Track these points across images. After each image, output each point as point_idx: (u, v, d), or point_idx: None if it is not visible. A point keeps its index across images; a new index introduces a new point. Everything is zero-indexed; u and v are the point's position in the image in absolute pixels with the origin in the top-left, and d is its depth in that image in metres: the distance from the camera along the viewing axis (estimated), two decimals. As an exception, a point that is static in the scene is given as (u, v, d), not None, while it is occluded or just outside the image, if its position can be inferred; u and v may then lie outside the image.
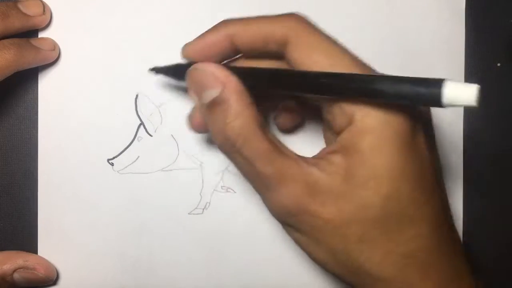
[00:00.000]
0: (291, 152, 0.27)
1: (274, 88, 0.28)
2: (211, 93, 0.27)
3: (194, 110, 0.31)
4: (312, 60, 0.26)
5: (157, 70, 0.33)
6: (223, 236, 0.37)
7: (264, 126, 0.27)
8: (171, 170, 0.36)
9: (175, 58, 0.36)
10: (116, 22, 0.36)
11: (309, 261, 0.37)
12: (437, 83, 0.22)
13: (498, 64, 0.38)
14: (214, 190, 0.37)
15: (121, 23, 0.36)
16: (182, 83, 0.31)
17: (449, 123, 0.38)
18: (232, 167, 0.36)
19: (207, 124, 0.28)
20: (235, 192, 0.37)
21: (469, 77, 0.38)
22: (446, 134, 0.38)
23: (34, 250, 0.36)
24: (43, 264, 0.35)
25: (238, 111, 0.26)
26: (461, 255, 0.28)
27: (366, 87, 0.24)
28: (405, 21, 0.38)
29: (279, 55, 0.28)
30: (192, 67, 0.28)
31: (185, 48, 0.30)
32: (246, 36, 0.28)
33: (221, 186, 0.37)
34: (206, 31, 0.29)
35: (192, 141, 0.36)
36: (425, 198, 0.26)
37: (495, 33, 0.38)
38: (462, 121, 0.38)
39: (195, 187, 0.37)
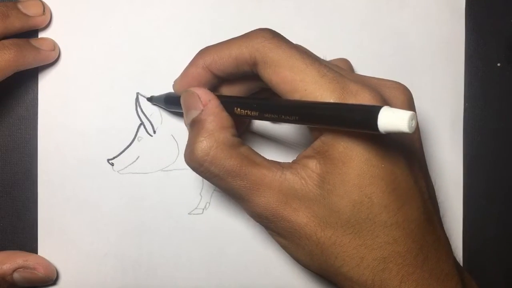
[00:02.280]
0: (265, 161, 0.28)
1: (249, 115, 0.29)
2: (193, 113, 0.29)
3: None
4: (280, 77, 0.27)
5: (151, 99, 0.36)
6: (223, 236, 0.37)
7: (236, 143, 0.28)
8: (171, 170, 0.36)
9: (175, 58, 0.36)
10: (116, 22, 0.36)
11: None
12: (374, 110, 0.22)
13: (498, 64, 0.38)
14: (214, 190, 0.37)
15: (121, 23, 0.36)
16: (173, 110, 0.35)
17: (449, 123, 0.38)
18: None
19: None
20: (235, 192, 0.37)
21: (469, 77, 0.38)
22: (446, 134, 0.38)
23: (34, 250, 0.36)
24: (43, 264, 0.35)
25: (209, 131, 0.28)
26: (448, 256, 0.28)
27: (306, 114, 0.25)
28: (405, 21, 0.38)
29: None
30: (185, 90, 0.31)
31: (174, 85, 0.32)
32: (220, 63, 0.29)
33: (221, 186, 0.37)
34: (188, 65, 0.31)
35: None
36: (398, 205, 0.26)
37: (495, 33, 0.38)
38: (462, 121, 0.38)
39: (195, 187, 0.37)
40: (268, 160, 0.29)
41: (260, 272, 0.37)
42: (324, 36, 0.37)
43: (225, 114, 0.29)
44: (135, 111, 0.36)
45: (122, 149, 0.36)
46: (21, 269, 0.34)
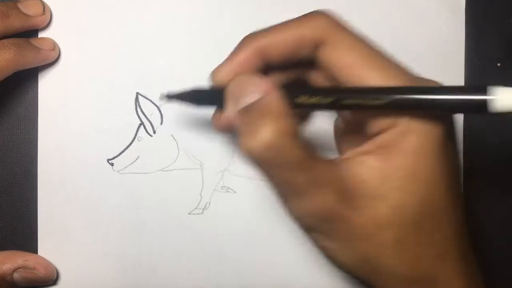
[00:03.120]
0: (323, 157, 0.26)
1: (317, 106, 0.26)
2: (251, 98, 0.25)
3: (217, 111, 0.30)
4: (349, 61, 0.25)
5: (170, 96, 0.30)
6: (223, 236, 0.37)
7: (299, 133, 0.25)
8: (171, 170, 0.36)
9: (175, 58, 0.36)
10: (116, 22, 0.36)
11: (308, 260, 0.37)
12: (486, 90, 0.21)
13: (498, 64, 0.38)
14: (214, 190, 0.37)
15: (121, 23, 0.36)
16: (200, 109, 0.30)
17: (449, 123, 0.38)
18: (232, 167, 0.36)
19: (238, 129, 0.26)
20: (235, 192, 0.37)
21: (469, 77, 0.38)
22: (446, 134, 0.38)
23: (34, 250, 0.36)
24: (43, 264, 0.35)
25: (274, 116, 0.24)
26: (473, 255, 0.28)
27: (413, 99, 0.24)
28: (405, 21, 0.38)
29: (309, 61, 0.27)
30: (236, 77, 0.27)
31: (215, 74, 0.28)
32: (277, 47, 0.27)
33: (221, 186, 0.37)
34: (232, 52, 0.28)
35: (192, 141, 0.36)
36: (454, 202, 0.26)
37: (495, 33, 0.38)
38: (462, 121, 0.38)
39: (195, 187, 0.37)
40: (325, 157, 0.26)
41: (260, 272, 0.37)
42: (324, 36, 0.37)
43: (287, 103, 0.25)
44: (135, 111, 0.36)
45: (122, 149, 0.36)
46: (21, 269, 0.34)
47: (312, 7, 0.37)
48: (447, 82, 0.38)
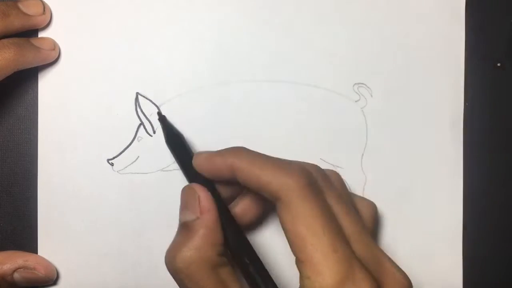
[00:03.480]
0: None
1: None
2: (187, 215, 0.29)
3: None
4: (294, 230, 0.27)
5: (162, 119, 0.35)
6: (223, 236, 0.37)
7: (219, 263, 0.28)
8: (171, 170, 0.36)
9: (175, 58, 0.36)
10: (116, 22, 0.36)
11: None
12: None
13: (498, 64, 0.38)
14: (214, 190, 0.37)
15: (121, 23, 0.36)
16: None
17: (449, 123, 0.38)
18: (232, 167, 0.36)
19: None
20: (235, 192, 0.37)
21: (469, 77, 0.38)
22: (446, 134, 0.38)
23: (34, 250, 0.36)
24: (43, 264, 0.35)
25: (196, 245, 0.28)
26: None
27: None
28: (405, 21, 0.38)
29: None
30: (190, 184, 0.31)
31: (197, 156, 0.32)
32: (246, 179, 0.29)
33: (221, 186, 0.37)
34: (219, 153, 0.30)
35: (192, 141, 0.36)
36: None
37: (495, 33, 0.38)
38: (462, 121, 0.38)
39: (195, 187, 0.36)
40: None
41: (260, 272, 0.37)
42: (324, 37, 0.37)
43: (218, 230, 0.29)
44: (135, 111, 0.36)
45: (122, 149, 0.36)
46: (21, 269, 0.34)
47: (312, 7, 0.37)
48: (447, 82, 0.38)
